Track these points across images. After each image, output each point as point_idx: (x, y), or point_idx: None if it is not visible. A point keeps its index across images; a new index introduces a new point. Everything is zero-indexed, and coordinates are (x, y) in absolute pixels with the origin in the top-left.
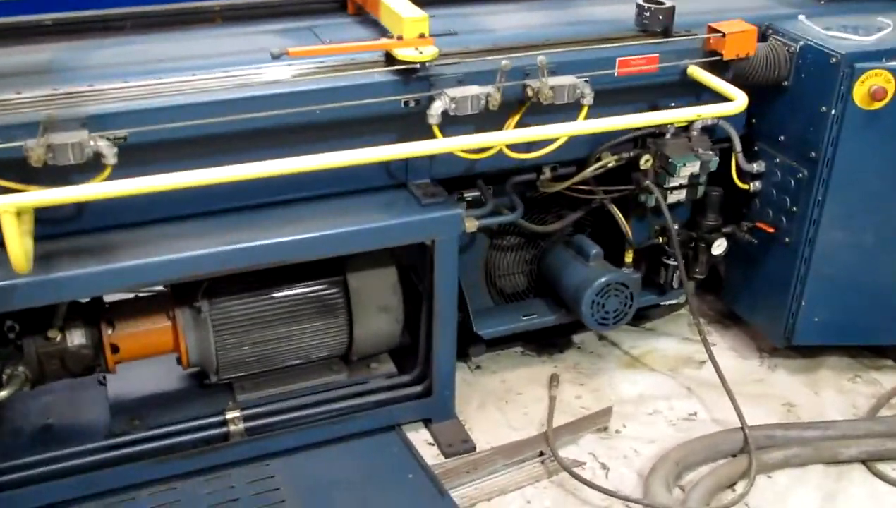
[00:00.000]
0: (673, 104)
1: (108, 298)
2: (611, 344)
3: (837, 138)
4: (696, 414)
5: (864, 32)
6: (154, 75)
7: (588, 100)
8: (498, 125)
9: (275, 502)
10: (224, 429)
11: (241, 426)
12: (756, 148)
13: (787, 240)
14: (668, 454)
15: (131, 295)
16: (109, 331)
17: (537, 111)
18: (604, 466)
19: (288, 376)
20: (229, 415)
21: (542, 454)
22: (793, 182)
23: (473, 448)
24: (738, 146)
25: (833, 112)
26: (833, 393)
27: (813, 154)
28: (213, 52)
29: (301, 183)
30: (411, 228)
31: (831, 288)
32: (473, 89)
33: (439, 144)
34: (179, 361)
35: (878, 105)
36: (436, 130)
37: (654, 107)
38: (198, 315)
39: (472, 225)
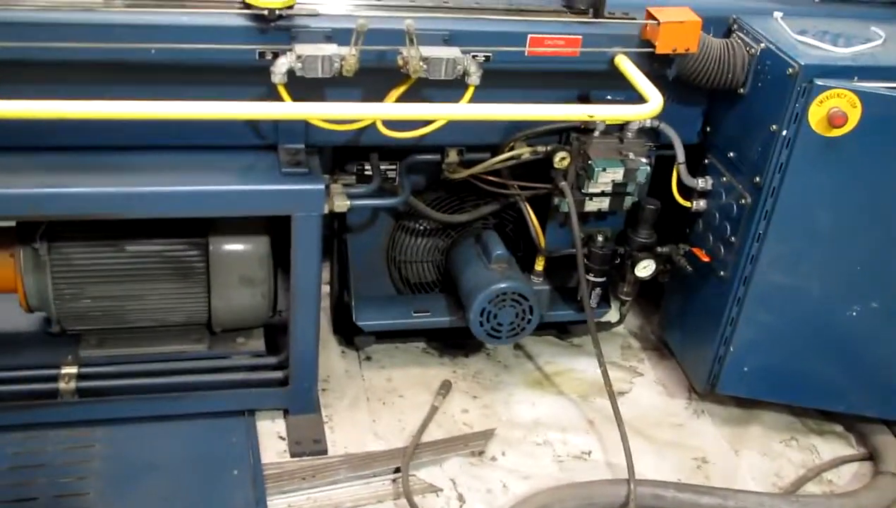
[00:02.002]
0: (609, 96)
1: None
2: (525, 356)
3: (786, 165)
4: (590, 453)
5: (844, 42)
6: None
7: (474, 79)
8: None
9: (79, 476)
10: (53, 385)
11: (73, 385)
12: (707, 161)
13: (721, 273)
14: (533, 497)
15: None
16: None
17: (429, 84)
18: (461, 498)
19: (142, 338)
20: (63, 371)
21: (397, 471)
22: (735, 208)
23: (324, 452)
24: (680, 156)
25: (784, 133)
26: (757, 456)
27: (758, 179)
28: None
29: (164, 129)
30: (265, 198)
31: (766, 335)
32: (328, 49)
33: (275, 109)
34: None
35: (836, 132)
36: (281, 90)
37: (583, 98)
38: (37, 256)
39: (342, 204)
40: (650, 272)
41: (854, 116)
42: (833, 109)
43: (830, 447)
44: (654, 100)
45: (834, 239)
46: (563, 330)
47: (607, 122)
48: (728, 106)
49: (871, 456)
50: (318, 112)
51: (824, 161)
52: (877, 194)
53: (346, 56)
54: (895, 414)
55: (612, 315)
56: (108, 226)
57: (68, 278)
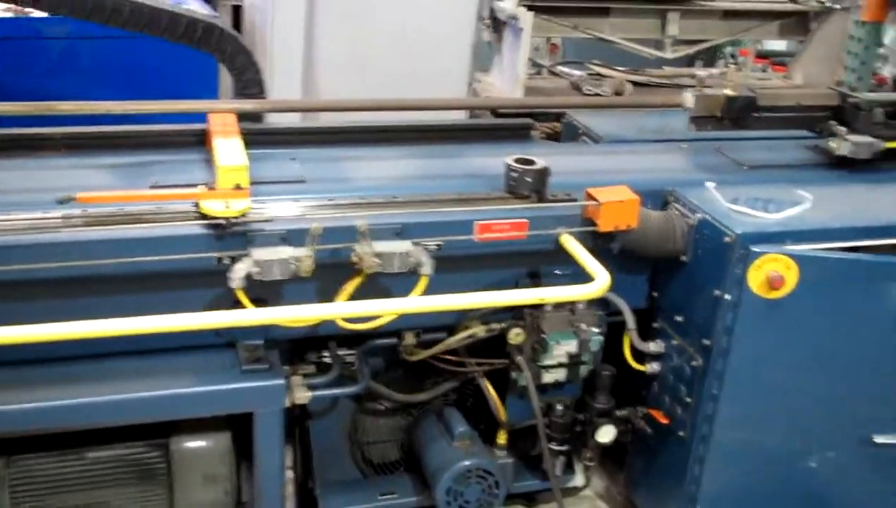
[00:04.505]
0: (558, 271)
1: None
2: None
3: (733, 327)
4: None
5: (775, 208)
6: None
7: (426, 270)
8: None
9: None
10: None
11: None
12: (656, 325)
13: (681, 433)
14: None
15: None
16: None
17: (384, 275)
18: None
19: None
20: None
21: None
22: (688, 369)
23: None
24: (630, 323)
25: (728, 297)
26: None
27: (706, 341)
28: (20, 188)
29: (124, 338)
30: (226, 398)
31: (731, 491)
32: (284, 251)
33: (234, 317)
34: None
35: (776, 294)
36: (241, 296)
37: (533, 275)
38: None
39: (303, 396)
40: (611, 437)
41: (791, 278)
42: (771, 273)
43: None
44: (601, 278)
45: (785, 394)
46: (530, 499)
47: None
48: (672, 272)
49: None
50: (275, 316)
51: (768, 321)
52: (820, 349)
53: (302, 257)
54: None
55: (578, 479)
56: (67, 433)
57: (28, 491)
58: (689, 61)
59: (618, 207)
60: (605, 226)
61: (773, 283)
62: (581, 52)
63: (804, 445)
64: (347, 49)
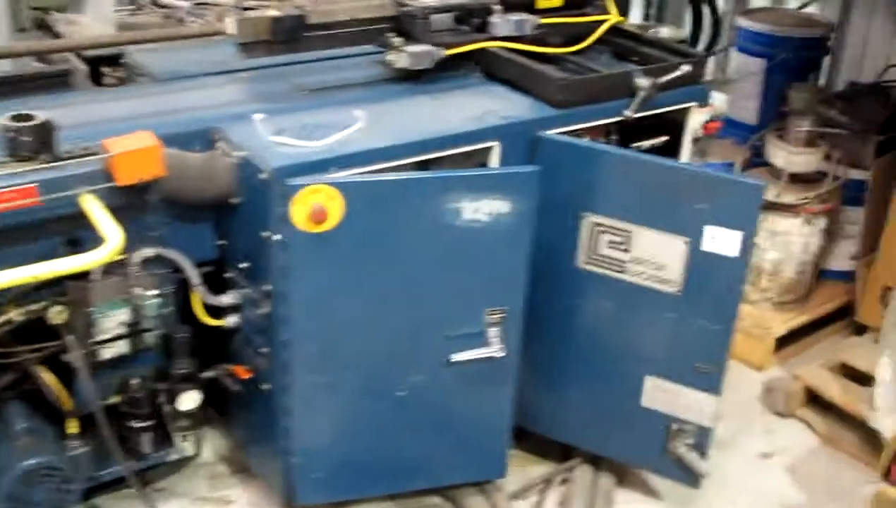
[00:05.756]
0: None
1: None
2: None
3: (287, 269)
4: None
5: (322, 134)
6: None
7: None
8: None
9: None
10: None
11: None
12: (228, 275)
13: (264, 386)
14: None
15: None
16: None
17: None
18: None
19: None
20: None
21: None
22: (259, 318)
23: None
24: (194, 278)
25: (277, 237)
26: None
27: (266, 287)
28: None
29: None
30: None
31: (326, 438)
32: None
33: None
34: None
35: (323, 227)
36: None
37: (73, 242)
38: None
39: None
40: (196, 402)
41: (336, 209)
42: (314, 206)
43: None
44: (112, 241)
45: (356, 329)
46: (146, 480)
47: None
48: (231, 217)
49: None
50: None
51: (322, 257)
52: (380, 277)
53: None
54: (475, 475)
55: (188, 449)
56: None
57: None
58: None
59: (134, 157)
60: (124, 179)
61: (316, 216)
62: None
63: (388, 376)
64: None
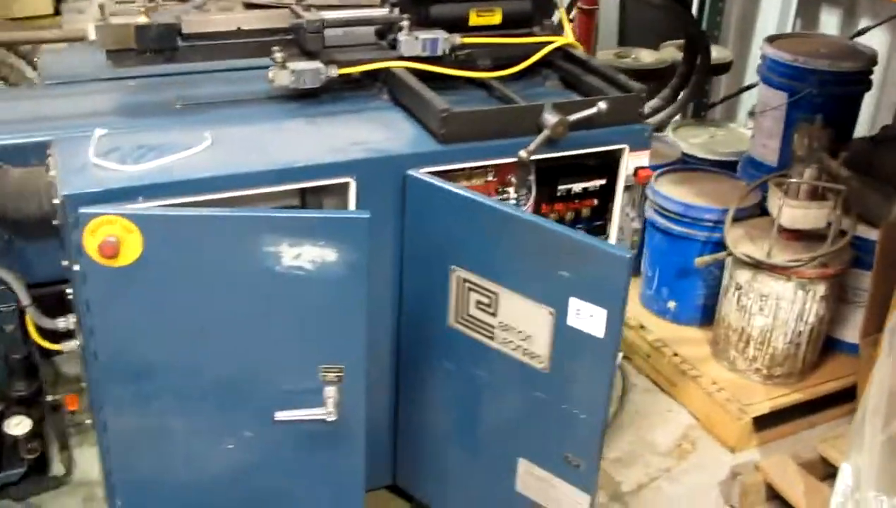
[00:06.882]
0: None
1: None
2: None
3: (89, 302)
4: None
5: (154, 156)
6: None
7: None
8: None
9: None
10: None
11: None
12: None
13: (88, 421)
14: None
15: None
16: None
17: None
18: None
19: None
20: None
21: None
22: (79, 349)
23: None
24: (23, 299)
25: (77, 268)
26: None
27: (77, 321)
28: None
29: None
30: None
31: (147, 484)
32: None
33: None
34: None
35: (119, 261)
36: None
37: None
38: None
39: None
40: (27, 428)
41: (134, 242)
42: (106, 238)
43: None
44: None
45: (170, 373)
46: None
47: None
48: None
49: None
50: None
51: (123, 294)
52: (189, 321)
53: None
54: None
55: (56, 468)
56: None
57: None
58: None
59: None
60: None
61: (105, 250)
62: None
63: (214, 426)
64: None
